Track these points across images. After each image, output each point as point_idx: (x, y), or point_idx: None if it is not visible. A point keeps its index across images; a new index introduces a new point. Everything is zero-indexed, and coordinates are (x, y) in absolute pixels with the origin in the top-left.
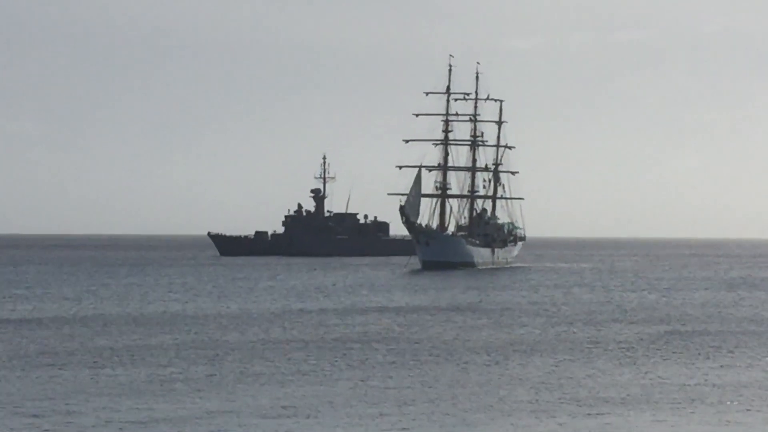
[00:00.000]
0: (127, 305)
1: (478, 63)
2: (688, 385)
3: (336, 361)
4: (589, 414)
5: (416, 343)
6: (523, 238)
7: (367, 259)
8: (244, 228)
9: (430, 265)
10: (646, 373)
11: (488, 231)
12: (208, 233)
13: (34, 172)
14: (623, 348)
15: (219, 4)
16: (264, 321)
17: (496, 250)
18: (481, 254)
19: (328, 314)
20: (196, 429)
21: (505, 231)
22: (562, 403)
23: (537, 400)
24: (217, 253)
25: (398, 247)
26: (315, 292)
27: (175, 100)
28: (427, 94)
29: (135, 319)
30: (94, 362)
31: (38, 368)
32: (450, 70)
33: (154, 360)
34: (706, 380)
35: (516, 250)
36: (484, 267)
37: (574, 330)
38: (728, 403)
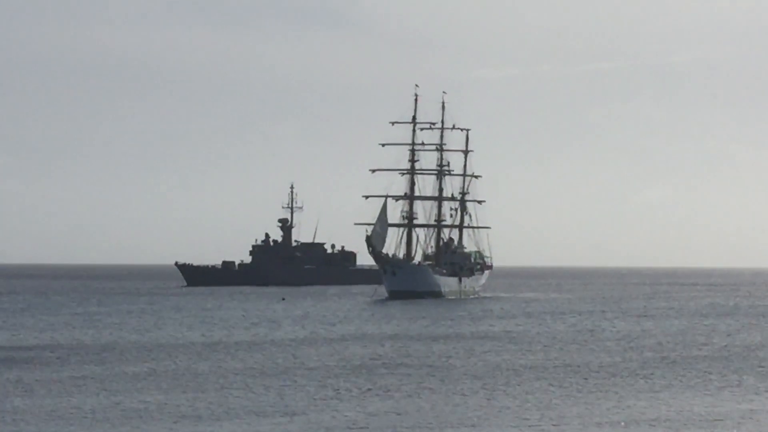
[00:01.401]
0: (126, 333)
1: (444, 92)
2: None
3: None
4: None
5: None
6: (490, 267)
7: (334, 288)
8: (212, 258)
9: (396, 295)
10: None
11: (455, 260)
12: (176, 263)
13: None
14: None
15: (186, 36)
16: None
17: (463, 279)
18: (448, 283)
19: (304, 343)
20: None
21: (472, 260)
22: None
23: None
24: (184, 283)
25: (365, 277)
26: (289, 321)
27: (143, 131)
28: (393, 123)
29: (142, 345)
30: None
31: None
32: (416, 100)
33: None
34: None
35: (483, 278)
36: (451, 296)
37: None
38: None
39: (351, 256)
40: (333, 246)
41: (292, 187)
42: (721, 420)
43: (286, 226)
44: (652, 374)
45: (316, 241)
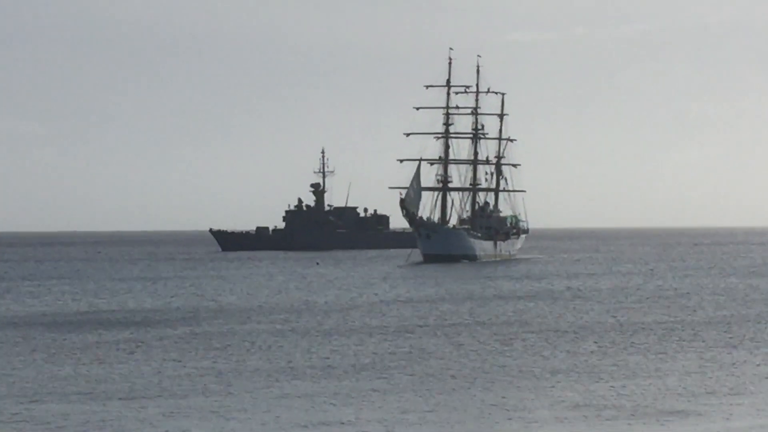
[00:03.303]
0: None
1: (478, 56)
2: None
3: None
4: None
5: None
6: (526, 231)
7: (369, 252)
8: (245, 223)
9: (431, 258)
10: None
11: (491, 224)
12: (210, 229)
13: (36, 171)
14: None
15: (221, 2)
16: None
17: (498, 242)
18: (483, 247)
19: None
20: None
21: (508, 223)
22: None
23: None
24: (219, 249)
25: (398, 241)
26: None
27: (175, 98)
28: (427, 87)
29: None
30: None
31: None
32: (450, 64)
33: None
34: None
35: (519, 242)
36: (486, 259)
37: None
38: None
39: (384, 220)
40: (366, 210)
41: (323, 152)
42: None
43: (318, 190)
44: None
45: (349, 205)
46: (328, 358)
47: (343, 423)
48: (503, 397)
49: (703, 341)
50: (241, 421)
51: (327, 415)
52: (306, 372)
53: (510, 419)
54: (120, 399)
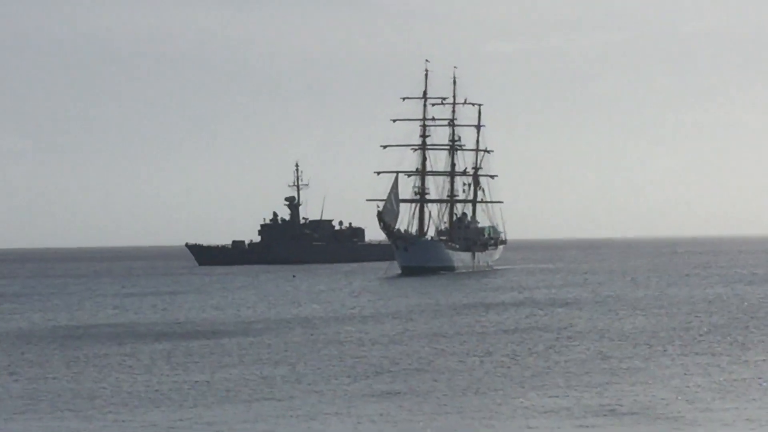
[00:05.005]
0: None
1: (455, 67)
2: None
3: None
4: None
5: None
6: (504, 241)
7: (346, 265)
8: (221, 237)
9: (409, 270)
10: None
11: (468, 235)
12: (186, 244)
13: (11, 187)
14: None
15: (192, 15)
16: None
17: (476, 253)
18: (461, 258)
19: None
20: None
21: (486, 234)
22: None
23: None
24: (195, 264)
25: (374, 253)
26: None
27: (150, 114)
28: (404, 99)
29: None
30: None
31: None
32: (426, 75)
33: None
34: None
35: (497, 253)
36: (464, 270)
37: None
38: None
39: (359, 232)
40: (341, 223)
41: (297, 165)
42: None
43: (293, 203)
44: None
45: (324, 218)
46: (319, 368)
47: None
48: (498, 403)
49: (687, 346)
50: None
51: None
52: (300, 383)
53: (493, 423)
54: (109, 413)
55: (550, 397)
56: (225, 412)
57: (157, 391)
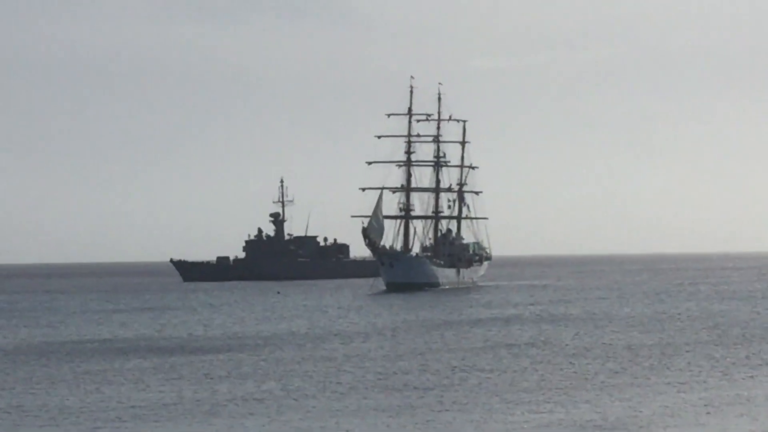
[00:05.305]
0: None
1: (440, 83)
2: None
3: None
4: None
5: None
6: (489, 258)
7: (331, 282)
8: (206, 254)
9: (394, 287)
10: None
11: (453, 251)
12: (171, 260)
13: None
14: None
15: (179, 32)
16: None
17: (461, 270)
18: (446, 274)
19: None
20: None
21: (471, 251)
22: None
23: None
24: (180, 280)
25: (359, 269)
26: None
27: (134, 129)
28: (389, 115)
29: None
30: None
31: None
32: (411, 91)
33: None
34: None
35: (482, 269)
36: (449, 287)
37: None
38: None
39: (344, 249)
40: (325, 239)
41: (282, 182)
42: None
43: (278, 220)
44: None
45: (309, 234)
46: (305, 384)
47: None
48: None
49: (671, 362)
50: None
51: None
52: (287, 398)
53: None
54: (94, 428)
55: (536, 413)
56: (211, 427)
57: (143, 406)
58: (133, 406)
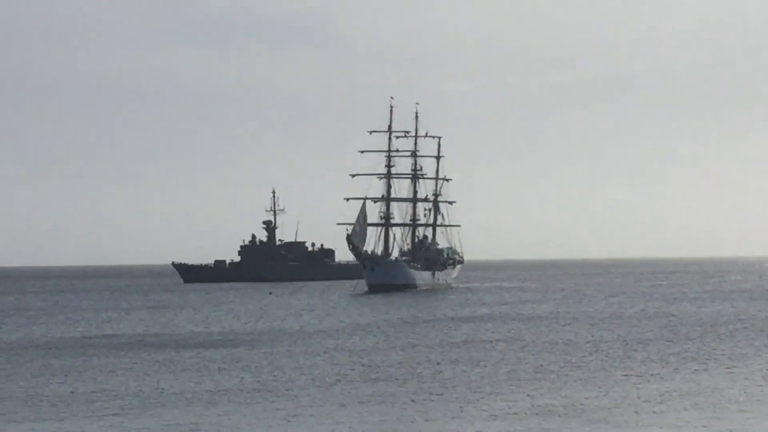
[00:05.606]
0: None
1: (417, 104)
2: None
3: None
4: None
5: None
6: (461, 261)
7: (318, 284)
8: (204, 257)
9: (375, 288)
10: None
11: (429, 255)
12: (172, 263)
13: (10, 209)
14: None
15: (178, 56)
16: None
17: (436, 272)
18: (422, 277)
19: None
20: None
21: (445, 255)
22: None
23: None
24: (181, 281)
25: (343, 272)
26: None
27: (141, 145)
28: (371, 132)
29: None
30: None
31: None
32: (391, 111)
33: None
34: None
35: (455, 272)
36: (425, 288)
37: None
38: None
39: (330, 253)
40: (313, 244)
41: (273, 192)
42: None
43: (270, 227)
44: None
45: (298, 240)
46: (295, 376)
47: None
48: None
49: (629, 358)
50: None
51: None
52: (279, 389)
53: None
54: (104, 416)
55: (506, 401)
56: (211, 413)
57: (147, 396)
58: (137, 395)
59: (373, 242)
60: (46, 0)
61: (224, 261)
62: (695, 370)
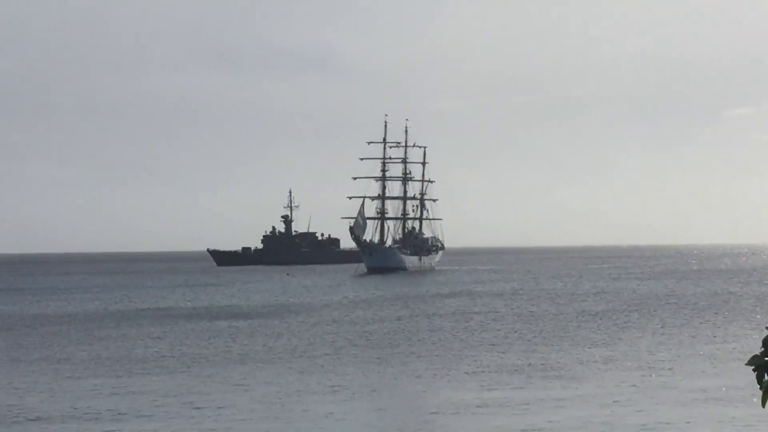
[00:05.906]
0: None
1: (407, 119)
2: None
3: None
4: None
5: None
6: (443, 248)
7: (326, 267)
8: (233, 244)
9: (373, 270)
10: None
11: (416, 243)
12: (207, 249)
13: (64, 204)
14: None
15: (210, 81)
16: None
17: (422, 257)
18: (411, 261)
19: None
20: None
21: (429, 243)
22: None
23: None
24: (215, 264)
25: (347, 257)
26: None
27: (180, 154)
28: (369, 143)
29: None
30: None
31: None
32: (386, 125)
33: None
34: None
35: (438, 257)
36: (413, 270)
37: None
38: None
39: (336, 242)
40: (322, 234)
41: (290, 192)
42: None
43: (287, 220)
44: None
45: (310, 230)
46: (309, 341)
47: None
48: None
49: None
50: (263, 390)
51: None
52: (295, 351)
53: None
54: (148, 374)
55: (481, 362)
56: (239, 371)
57: (190, 357)
58: (180, 357)
59: (371, 233)
60: (101, 29)
61: (250, 248)
62: (635, 336)
